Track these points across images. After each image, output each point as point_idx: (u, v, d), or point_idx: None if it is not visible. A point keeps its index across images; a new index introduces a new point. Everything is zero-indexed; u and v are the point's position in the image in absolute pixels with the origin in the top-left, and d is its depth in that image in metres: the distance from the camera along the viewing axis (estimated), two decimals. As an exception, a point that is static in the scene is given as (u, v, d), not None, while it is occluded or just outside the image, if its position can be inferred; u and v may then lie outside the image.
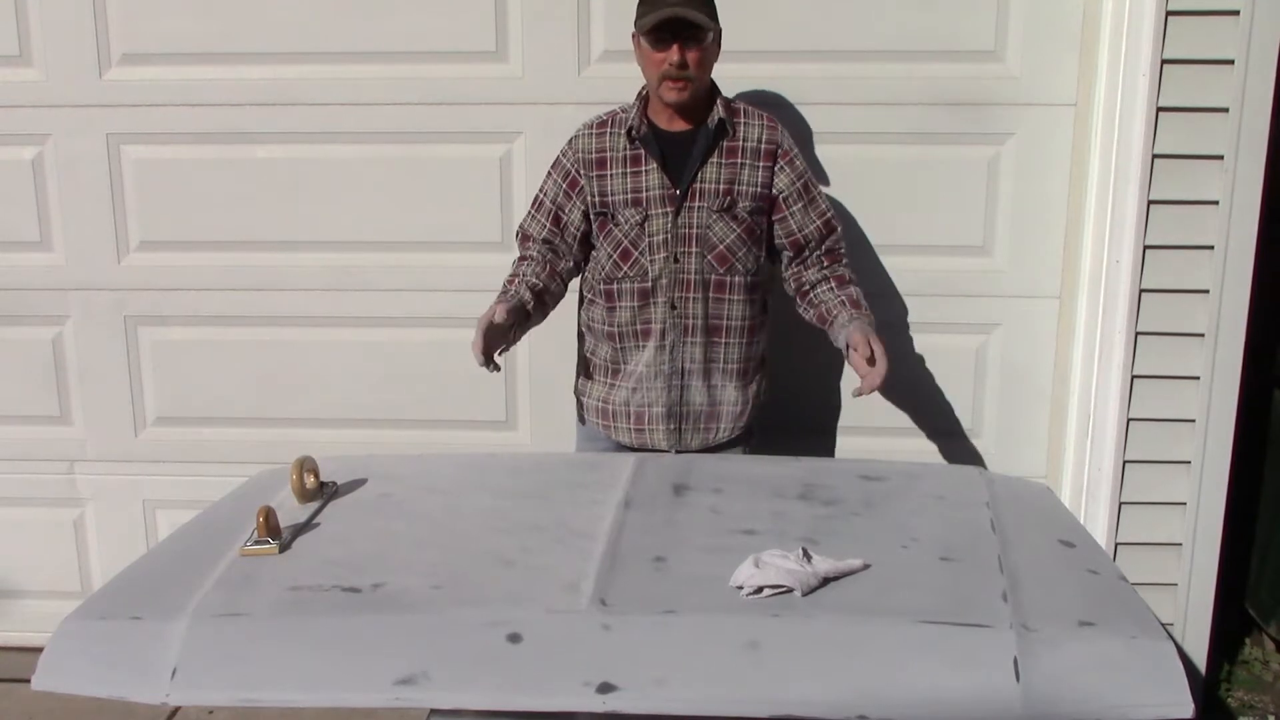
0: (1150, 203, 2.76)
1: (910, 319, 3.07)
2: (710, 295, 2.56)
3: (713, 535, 2.03)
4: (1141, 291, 2.81)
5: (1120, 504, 2.93)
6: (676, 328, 2.57)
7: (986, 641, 1.67)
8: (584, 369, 2.74)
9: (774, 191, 2.56)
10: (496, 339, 2.40)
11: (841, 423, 3.15)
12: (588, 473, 2.39)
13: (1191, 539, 2.93)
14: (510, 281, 2.59)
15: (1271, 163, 2.75)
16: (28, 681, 1.73)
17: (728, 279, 2.56)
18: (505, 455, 2.73)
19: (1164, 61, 2.68)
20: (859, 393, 2.38)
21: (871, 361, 2.37)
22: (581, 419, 2.77)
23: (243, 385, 3.22)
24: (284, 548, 1.98)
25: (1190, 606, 2.98)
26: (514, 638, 1.69)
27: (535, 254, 2.62)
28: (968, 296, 3.06)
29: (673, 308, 2.56)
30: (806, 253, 2.62)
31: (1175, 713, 1.60)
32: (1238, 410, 2.86)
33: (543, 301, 2.58)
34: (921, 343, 3.09)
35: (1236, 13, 2.64)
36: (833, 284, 2.61)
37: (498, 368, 2.39)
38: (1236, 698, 3.19)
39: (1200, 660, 3.02)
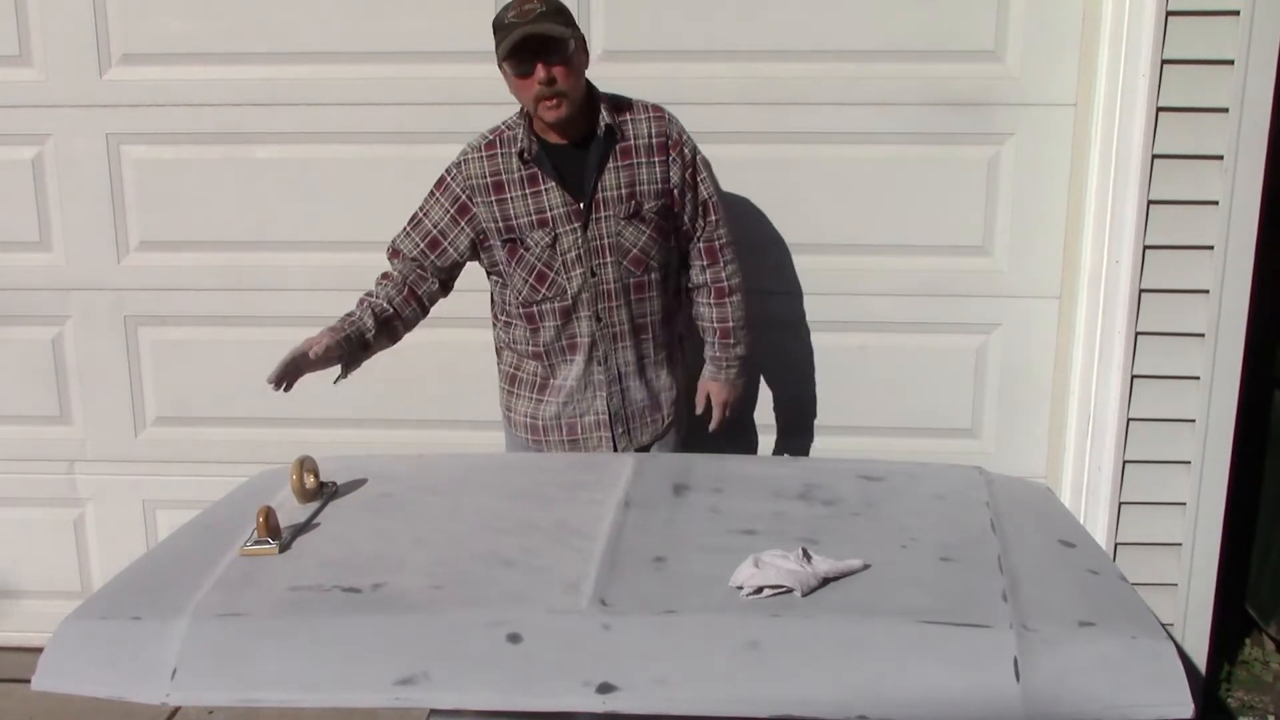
0: (1150, 203, 2.76)
1: (910, 319, 3.07)
2: (632, 299, 2.57)
3: (713, 535, 2.03)
4: (1141, 291, 2.81)
5: (1120, 504, 2.92)
6: (606, 338, 2.57)
7: (986, 641, 1.67)
8: (509, 384, 2.72)
9: (670, 186, 2.55)
10: (303, 368, 2.32)
11: (842, 423, 3.15)
12: (588, 473, 2.39)
13: (1191, 539, 2.93)
14: (359, 304, 2.52)
15: (1271, 163, 2.75)
16: (28, 681, 1.73)
17: (645, 279, 2.57)
18: (505, 455, 2.74)
19: (1164, 61, 2.68)
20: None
21: (709, 413, 2.75)
22: (504, 425, 2.77)
23: (243, 385, 3.21)
24: (284, 548, 1.99)
25: (1190, 606, 2.98)
26: (514, 638, 1.69)
27: (396, 274, 2.56)
28: (968, 296, 3.06)
29: (598, 319, 2.55)
30: (690, 244, 2.64)
31: (1175, 713, 1.60)
32: (1238, 410, 2.85)
33: (391, 327, 2.52)
34: (921, 343, 3.09)
35: (1236, 13, 2.64)
36: (711, 297, 2.67)
37: (288, 389, 2.31)
38: (1236, 698, 3.19)
39: (1200, 660, 3.02)
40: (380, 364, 3.15)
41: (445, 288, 2.63)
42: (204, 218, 3.11)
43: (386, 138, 3.03)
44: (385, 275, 2.58)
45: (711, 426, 2.73)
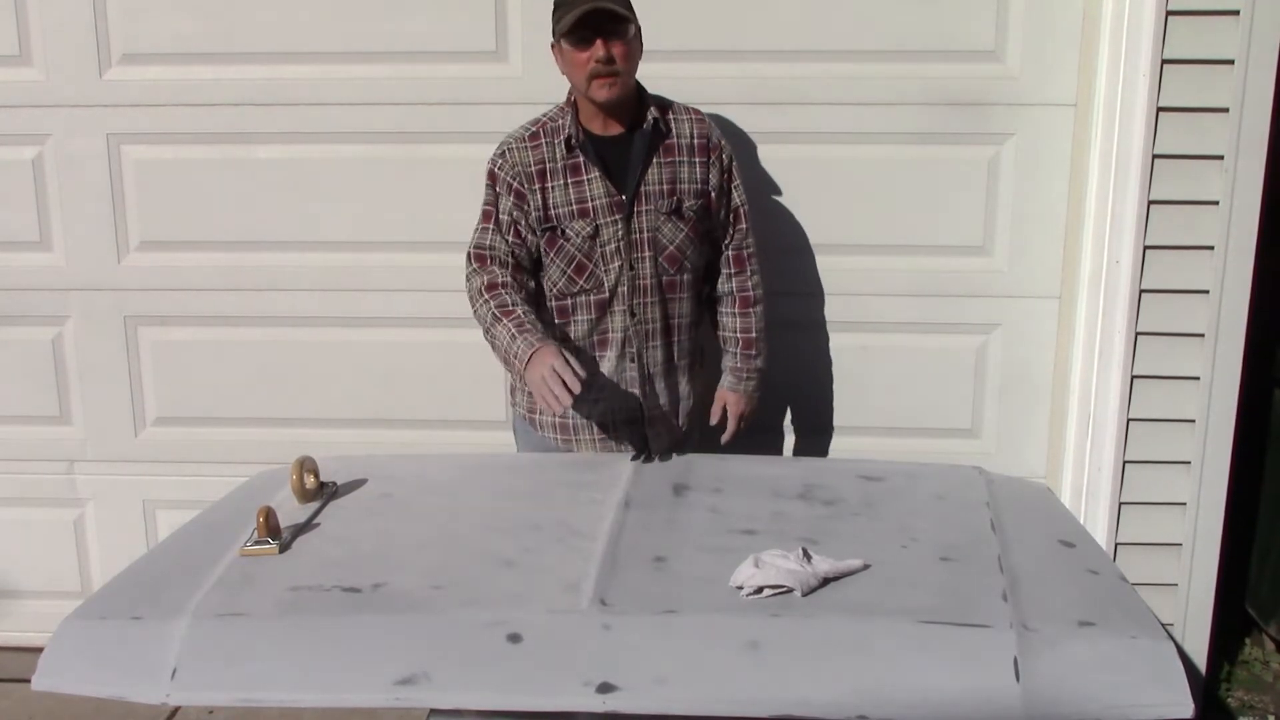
0: (1150, 203, 2.76)
1: (910, 319, 3.06)
2: (665, 297, 2.56)
3: (713, 535, 2.03)
4: (1141, 291, 2.81)
5: (1120, 504, 2.92)
6: (639, 334, 2.56)
7: (986, 641, 1.67)
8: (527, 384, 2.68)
9: (709, 188, 2.56)
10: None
11: (841, 423, 3.15)
12: (588, 473, 2.39)
13: (1191, 539, 2.93)
14: (515, 318, 2.37)
15: (1271, 163, 2.75)
16: (28, 681, 1.73)
17: (678, 278, 2.57)
18: (505, 455, 2.74)
19: (1164, 61, 2.68)
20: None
21: (724, 423, 2.71)
22: (518, 427, 2.76)
23: (243, 385, 3.21)
24: (284, 548, 1.99)
25: (1190, 606, 2.98)
26: (514, 638, 1.69)
27: (510, 281, 2.45)
28: (968, 296, 3.05)
29: (632, 315, 2.54)
30: (720, 251, 2.65)
31: (1175, 713, 1.60)
32: (1238, 410, 2.85)
33: None
34: (921, 343, 3.09)
35: (1236, 13, 2.64)
36: (735, 306, 2.68)
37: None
38: (1236, 698, 3.19)
39: (1200, 660, 3.02)
40: (380, 364, 3.17)
41: (536, 280, 2.56)
42: (204, 218, 3.11)
43: (386, 138, 3.03)
44: (496, 285, 2.44)
45: (725, 438, 2.71)
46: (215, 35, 2.99)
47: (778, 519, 2.09)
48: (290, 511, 2.12)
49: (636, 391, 2.58)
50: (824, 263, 3.05)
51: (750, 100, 2.95)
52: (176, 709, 2.95)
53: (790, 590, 1.77)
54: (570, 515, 2.12)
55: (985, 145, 2.97)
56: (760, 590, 1.77)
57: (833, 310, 3.08)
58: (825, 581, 1.81)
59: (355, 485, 2.28)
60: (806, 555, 1.85)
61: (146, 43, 3.02)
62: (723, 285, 2.69)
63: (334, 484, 2.26)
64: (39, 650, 1.75)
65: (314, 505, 2.17)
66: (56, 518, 3.34)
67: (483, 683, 1.65)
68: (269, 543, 1.97)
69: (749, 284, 2.68)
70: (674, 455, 2.56)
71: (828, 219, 3.03)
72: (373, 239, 3.09)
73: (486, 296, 2.44)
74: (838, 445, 3.15)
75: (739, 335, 2.69)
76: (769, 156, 2.98)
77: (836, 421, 3.15)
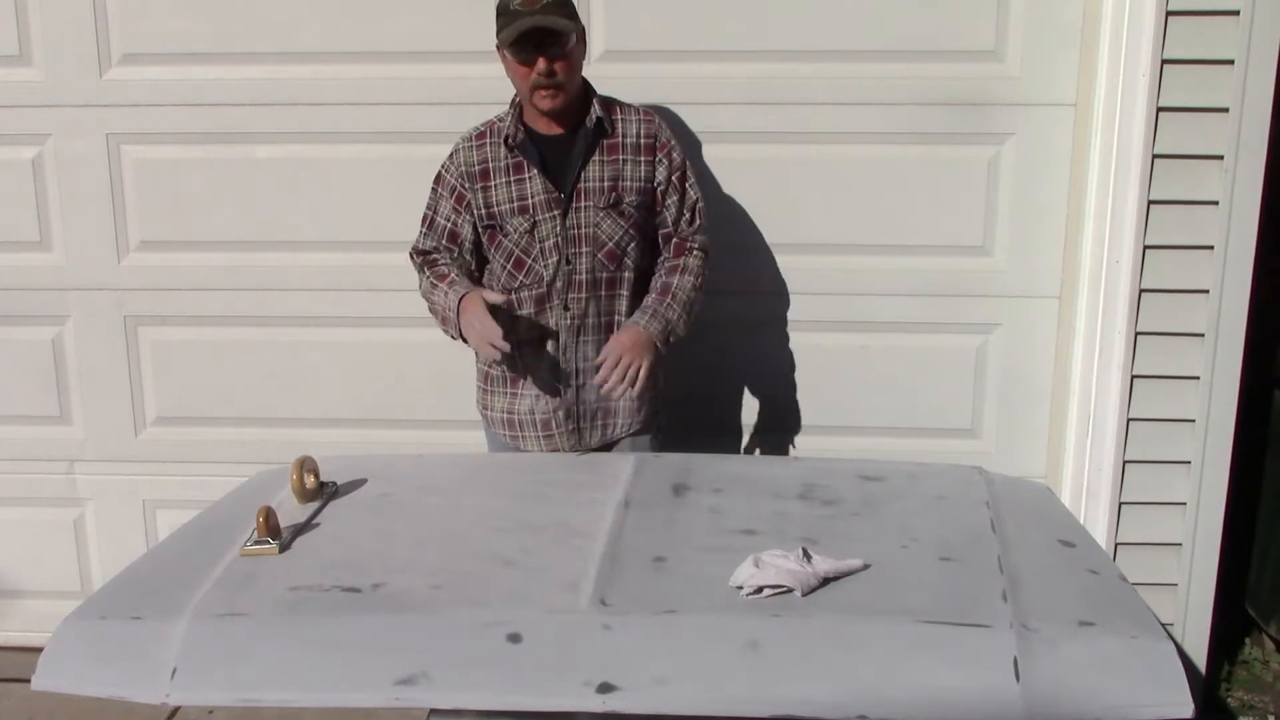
0: (1150, 203, 2.76)
1: (910, 319, 3.06)
2: (602, 294, 2.56)
3: (713, 535, 2.03)
4: (1141, 291, 2.81)
5: (1120, 504, 2.93)
6: (570, 329, 2.56)
7: (986, 641, 1.67)
8: (483, 382, 2.72)
9: (654, 185, 2.56)
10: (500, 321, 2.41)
11: (842, 423, 3.15)
12: (588, 473, 2.39)
13: (1191, 539, 2.93)
14: (438, 269, 2.57)
15: (1271, 163, 2.75)
16: (28, 681, 1.73)
17: (618, 275, 2.57)
18: (505, 455, 2.74)
19: (1164, 61, 2.68)
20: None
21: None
22: (488, 431, 2.76)
23: (243, 385, 3.21)
24: (284, 548, 1.99)
25: (1190, 606, 2.98)
26: (514, 638, 1.69)
27: (447, 260, 2.61)
28: (968, 296, 3.05)
29: (565, 309, 2.55)
30: (666, 242, 2.63)
31: (1175, 713, 1.60)
32: (1238, 410, 2.85)
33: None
34: (921, 343, 3.09)
35: (1236, 13, 2.64)
36: (663, 271, 2.60)
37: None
38: (1236, 698, 3.19)
39: (1200, 660, 3.02)
40: (380, 364, 3.17)
41: (480, 268, 2.67)
42: (204, 218, 3.11)
43: (386, 138, 3.03)
44: (436, 262, 2.61)
45: (600, 374, 2.45)
46: (215, 35, 3.00)
47: (778, 519, 2.09)
48: (290, 511, 2.12)
49: (563, 386, 2.59)
50: (823, 262, 3.05)
51: (750, 100, 2.95)
52: (176, 709, 2.95)
53: (790, 590, 1.77)
54: (570, 515, 2.12)
55: (985, 145, 2.97)
56: (760, 590, 1.77)
57: (833, 310, 3.08)
58: (825, 581, 1.81)
59: (355, 485, 2.28)
60: (806, 555, 1.85)
61: (146, 43, 3.02)
62: (659, 264, 2.62)
63: (334, 484, 2.26)
64: (39, 650, 1.75)
65: (314, 505, 2.17)
66: (56, 518, 3.34)
67: (482, 683, 1.65)
68: (269, 543, 1.97)
69: (682, 261, 2.59)
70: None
71: (828, 219, 3.03)
72: (372, 239, 3.09)
73: (427, 272, 2.61)
74: (838, 445, 3.15)
75: (659, 283, 2.57)
76: (769, 156, 2.98)
77: (837, 421, 3.15)
